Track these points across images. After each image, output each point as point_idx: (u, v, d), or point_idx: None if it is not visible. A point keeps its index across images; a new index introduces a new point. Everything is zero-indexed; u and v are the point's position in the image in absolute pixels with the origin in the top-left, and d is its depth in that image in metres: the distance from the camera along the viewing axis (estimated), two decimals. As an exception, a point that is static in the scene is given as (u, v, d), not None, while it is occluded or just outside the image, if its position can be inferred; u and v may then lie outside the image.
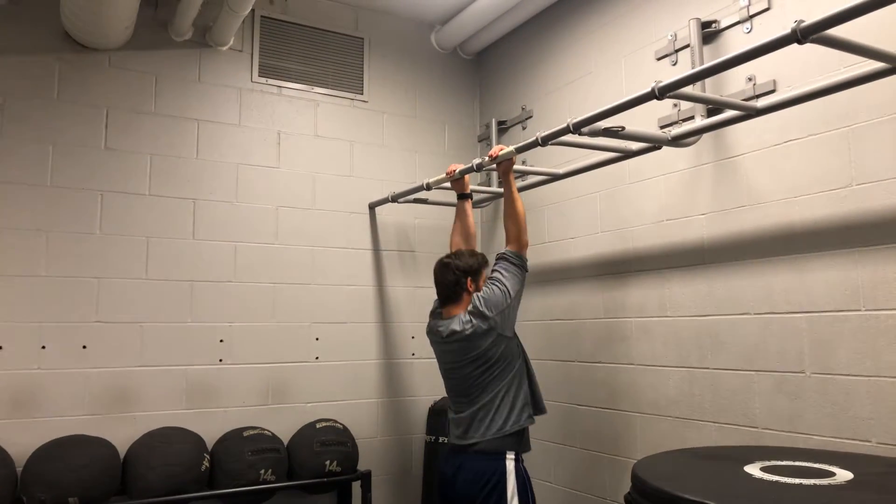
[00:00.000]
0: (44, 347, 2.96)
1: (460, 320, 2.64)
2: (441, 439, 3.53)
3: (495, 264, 2.73)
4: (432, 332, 2.81)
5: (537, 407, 2.70)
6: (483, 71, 4.25)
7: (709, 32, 2.70)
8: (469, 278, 2.74)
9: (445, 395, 3.71)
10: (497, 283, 2.64)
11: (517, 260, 2.69)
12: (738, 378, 2.52)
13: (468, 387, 2.66)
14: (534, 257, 3.64)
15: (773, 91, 2.45)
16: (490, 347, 2.59)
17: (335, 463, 3.23)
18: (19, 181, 2.99)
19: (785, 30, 1.79)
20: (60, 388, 2.97)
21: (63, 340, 3.00)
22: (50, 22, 3.10)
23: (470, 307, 2.64)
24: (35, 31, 3.09)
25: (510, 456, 2.57)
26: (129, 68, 3.27)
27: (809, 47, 1.87)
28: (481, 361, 2.61)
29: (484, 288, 2.67)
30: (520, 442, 2.62)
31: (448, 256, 2.83)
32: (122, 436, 3.00)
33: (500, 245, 2.91)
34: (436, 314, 2.83)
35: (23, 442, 2.81)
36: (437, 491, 2.79)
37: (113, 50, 3.24)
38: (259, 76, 3.59)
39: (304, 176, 3.65)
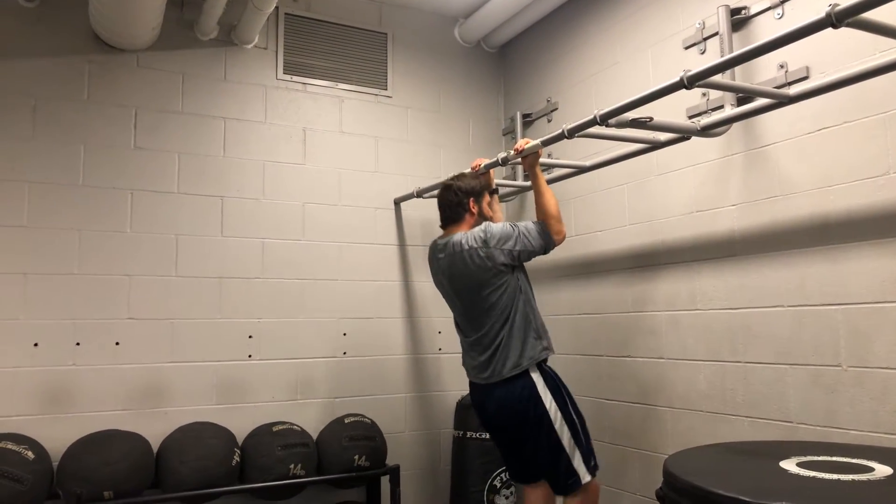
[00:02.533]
0: (78, 344, 3.01)
1: (461, 236, 2.67)
2: (468, 434, 3.53)
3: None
4: (431, 254, 2.86)
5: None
6: (507, 64, 4.22)
7: (738, 19, 2.64)
8: (471, 199, 2.78)
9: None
10: (513, 224, 2.66)
11: (540, 225, 2.67)
12: (772, 372, 2.47)
13: (470, 318, 2.69)
14: (561, 251, 3.60)
15: (805, 78, 2.39)
16: (486, 274, 2.60)
17: (364, 457, 3.24)
18: (52, 181, 3.04)
19: (819, 14, 1.74)
20: (94, 383, 3.02)
21: (97, 337, 3.05)
22: (79, 24, 3.15)
23: (475, 230, 2.66)
24: (65, 34, 3.14)
25: (533, 370, 2.59)
26: (156, 68, 3.31)
27: (844, 32, 1.83)
28: (479, 289, 2.62)
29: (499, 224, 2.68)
30: (539, 360, 2.63)
31: (451, 178, 2.87)
32: (155, 430, 3.05)
33: (527, 239, 2.88)
34: (436, 240, 2.85)
35: (59, 437, 2.87)
36: (478, 419, 2.85)
37: (141, 50, 3.27)
38: (284, 73, 3.61)
39: (329, 172, 3.66)
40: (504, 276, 2.62)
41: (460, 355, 2.88)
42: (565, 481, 2.55)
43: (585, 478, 2.54)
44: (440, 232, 2.91)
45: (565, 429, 2.55)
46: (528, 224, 2.69)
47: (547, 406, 2.55)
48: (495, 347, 2.62)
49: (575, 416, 2.60)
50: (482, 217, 2.81)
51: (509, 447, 2.75)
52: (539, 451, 2.58)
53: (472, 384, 2.80)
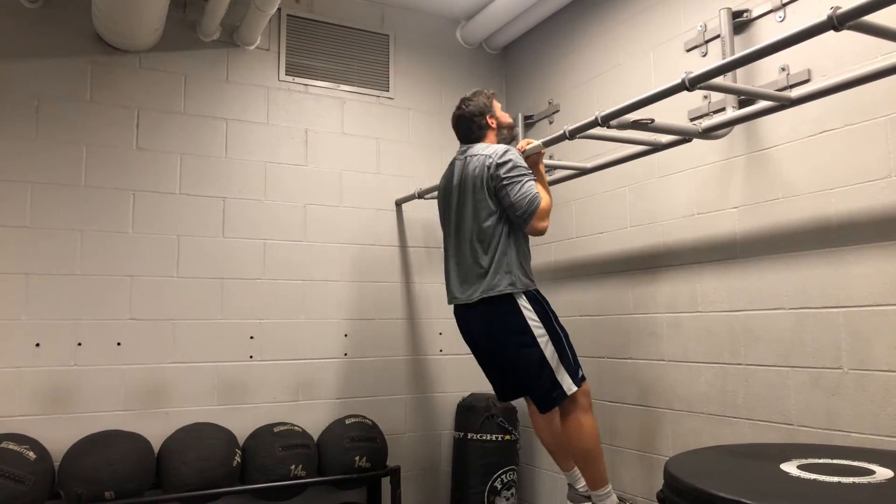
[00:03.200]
0: (80, 344, 3.02)
1: (485, 146, 2.73)
2: (469, 435, 3.53)
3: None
4: (451, 161, 2.88)
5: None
6: (509, 65, 4.22)
7: (740, 22, 2.65)
8: (487, 115, 2.83)
9: (474, 391, 3.74)
10: (526, 171, 2.64)
11: (536, 200, 2.59)
12: (773, 374, 2.47)
13: (463, 233, 2.71)
14: (562, 252, 3.62)
15: (807, 81, 2.39)
16: (486, 189, 2.62)
17: (364, 458, 3.25)
18: (55, 181, 3.05)
19: (820, 17, 1.74)
20: (96, 384, 3.03)
21: (98, 337, 3.05)
22: (82, 25, 3.15)
23: (499, 147, 2.68)
24: (68, 35, 3.15)
25: (518, 295, 2.59)
26: (159, 69, 3.32)
27: (845, 35, 1.83)
28: (477, 200, 2.65)
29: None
30: (522, 288, 2.62)
31: (459, 105, 2.89)
32: (156, 431, 3.05)
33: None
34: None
35: (60, 437, 2.87)
36: (464, 340, 2.85)
37: (143, 51, 3.28)
38: (286, 75, 3.62)
39: (331, 173, 3.67)
40: (496, 199, 2.65)
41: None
42: (549, 394, 2.54)
43: (571, 389, 2.54)
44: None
45: (549, 342, 2.56)
46: (533, 186, 2.62)
47: (527, 319, 2.56)
48: (480, 270, 2.62)
49: (558, 329, 2.62)
50: (501, 125, 2.87)
51: (493, 365, 2.78)
52: (521, 365, 2.59)
53: (455, 307, 2.82)
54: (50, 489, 2.75)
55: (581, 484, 2.80)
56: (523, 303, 2.60)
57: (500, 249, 2.62)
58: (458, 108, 2.90)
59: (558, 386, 2.54)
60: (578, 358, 2.65)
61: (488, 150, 2.70)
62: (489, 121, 2.84)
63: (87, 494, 2.69)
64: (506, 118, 2.92)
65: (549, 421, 2.77)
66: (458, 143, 3.99)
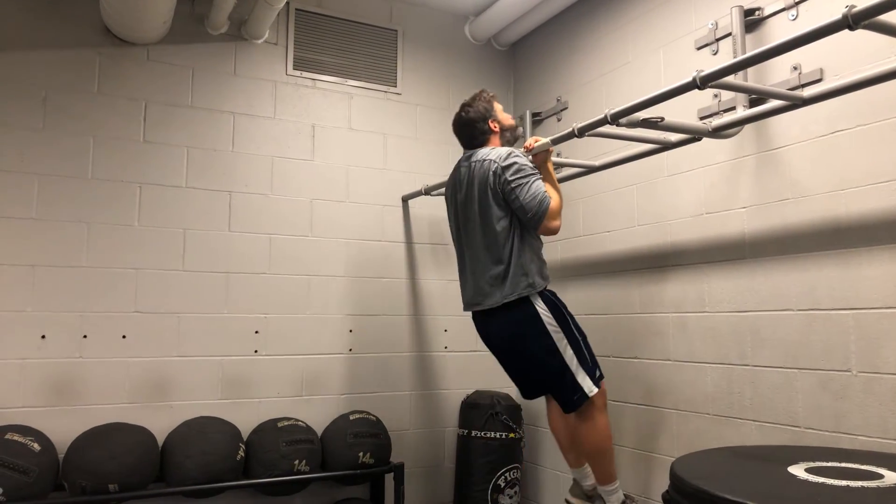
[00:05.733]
0: (85, 337, 3.02)
1: (488, 150, 2.72)
2: (473, 432, 3.53)
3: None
4: (455, 167, 2.87)
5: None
6: (517, 62, 4.20)
7: (752, 20, 2.62)
8: (489, 120, 2.82)
9: (478, 389, 3.73)
10: (533, 170, 2.64)
11: (545, 200, 2.59)
12: (780, 376, 2.45)
13: (475, 239, 2.70)
14: (568, 251, 3.60)
15: (819, 80, 2.37)
16: (495, 193, 2.62)
17: (368, 455, 3.24)
18: (61, 173, 3.05)
19: (834, 16, 1.72)
20: (101, 376, 3.03)
21: (103, 330, 3.06)
22: (90, 17, 3.15)
23: (502, 150, 2.68)
24: (76, 26, 3.14)
25: (534, 297, 2.60)
26: (166, 62, 3.31)
27: (859, 34, 1.81)
28: (488, 205, 2.63)
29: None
30: (539, 289, 2.63)
31: (459, 112, 2.89)
32: (160, 424, 3.05)
33: (535, 238, 2.87)
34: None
35: (64, 429, 2.88)
36: (484, 344, 2.86)
37: (151, 44, 3.28)
38: (294, 69, 3.60)
39: (338, 169, 3.66)
40: (504, 202, 2.64)
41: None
42: (571, 396, 2.57)
43: (592, 391, 2.56)
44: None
45: (567, 346, 2.58)
46: (541, 187, 2.61)
47: (546, 324, 2.57)
48: (496, 275, 2.62)
49: (576, 332, 2.63)
50: (504, 127, 2.86)
51: (516, 369, 2.81)
52: (544, 370, 2.62)
53: (473, 314, 2.82)
54: (54, 481, 2.75)
55: (588, 482, 2.79)
56: (540, 306, 2.59)
57: (514, 253, 2.61)
58: (459, 113, 2.88)
59: (579, 389, 2.56)
60: (596, 357, 2.66)
61: (492, 154, 2.69)
62: (491, 125, 2.83)
63: (91, 487, 2.69)
64: (508, 120, 2.90)
65: (567, 417, 2.77)
66: (465, 139, 4.02)
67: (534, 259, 2.65)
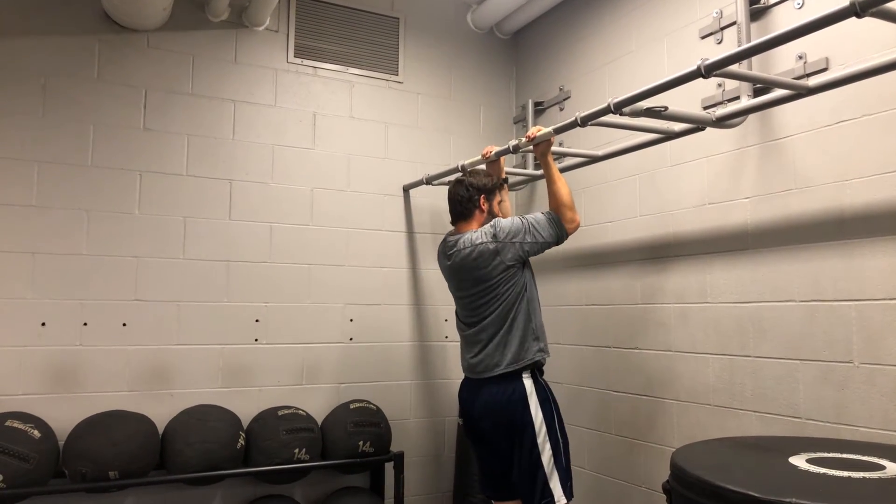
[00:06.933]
0: (85, 324, 3.02)
1: (470, 235, 2.68)
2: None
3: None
4: (440, 252, 2.86)
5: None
6: (520, 51, 4.18)
7: (757, 9, 2.59)
8: (482, 196, 2.78)
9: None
10: (522, 217, 2.65)
11: (550, 215, 2.65)
12: (782, 367, 2.45)
13: (473, 311, 2.69)
14: (570, 241, 3.57)
15: (825, 69, 2.34)
16: (494, 271, 2.59)
17: (368, 443, 3.25)
18: (61, 160, 3.03)
19: (841, 3, 1.70)
20: (101, 364, 3.03)
21: (103, 318, 3.05)
22: (90, 3, 3.12)
23: (485, 227, 2.67)
24: (76, 12, 3.12)
25: (526, 375, 2.58)
26: (166, 49, 3.29)
27: (865, 22, 1.80)
28: (485, 284, 2.62)
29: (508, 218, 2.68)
30: (534, 368, 2.61)
31: (464, 174, 2.88)
32: (161, 412, 3.05)
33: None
34: (446, 237, 2.85)
35: (65, 416, 2.88)
36: (462, 420, 2.82)
37: (151, 31, 3.25)
38: (295, 57, 3.58)
39: (339, 157, 3.64)
40: (512, 272, 2.61)
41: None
42: (539, 500, 2.48)
43: (561, 500, 2.48)
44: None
45: (547, 445, 2.51)
46: (537, 216, 2.67)
47: (533, 415, 2.52)
48: (494, 343, 2.61)
49: (559, 435, 2.56)
50: (491, 215, 2.79)
51: (488, 456, 2.70)
52: (518, 463, 2.54)
53: (464, 380, 2.79)
54: (54, 468, 2.76)
55: None
56: (530, 389, 2.55)
57: (515, 325, 2.59)
58: (464, 175, 2.89)
59: (550, 494, 2.47)
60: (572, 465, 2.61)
61: (476, 236, 2.64)
62: (482, 203, 2.77)
63: (92, 474, 2.70)
64: (498, 211, 2.82)
65: None
66: (464, 127, 4.00)
67: (531, 331, 2.62)
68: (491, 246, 2.59)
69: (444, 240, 2.85)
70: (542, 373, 2.67)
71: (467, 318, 2.75)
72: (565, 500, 2.49)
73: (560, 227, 2.65)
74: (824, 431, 2.28)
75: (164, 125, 3.25)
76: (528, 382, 2.57)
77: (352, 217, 3.64)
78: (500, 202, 2.85)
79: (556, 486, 2.48)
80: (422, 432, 3.73)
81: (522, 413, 2.52)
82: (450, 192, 2.85)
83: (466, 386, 2.76)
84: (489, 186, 2.80)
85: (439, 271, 2.92)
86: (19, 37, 3.01)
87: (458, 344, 3.63)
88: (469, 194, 2.77)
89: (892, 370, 2.12)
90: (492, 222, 2.68)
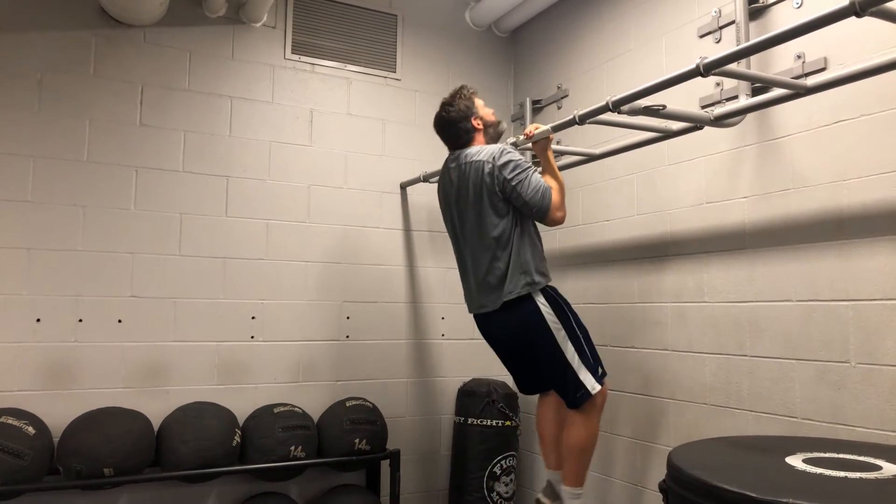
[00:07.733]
0: (80, 321, 3.00)
1: (476, 149, 2.70)
2: (469, 420, 3.52)
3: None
4: (443, 168, 2.84)
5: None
6: (518, 49, 4.17)
7: (756, 8, 2.59)
8: (472, 118, 2.78)
9: (474, 377, 3.73)
10: (531, 164, 2.65)
11: (547, 193, 2.62)
12: (778, 366, 2.45)
13: (473, 241, 2.68)
14: (568, 240, 3.59)
15: (823, 69, 2.34)
16: (491, 194, 2.60)
17: (364, 441, 3.24)
18: (57, 156, 3.02)
19: (841, 2, 1.70)
20: (96, 360, 3.02)
21: (99, 314, 3.04)
22: (86, -3, 3.11)
23: (493, 148, 2.66)
24: (72, 7, 3.10)
25: (535, 294, 2.59)
26: (163, 45, 3.27)
27: (864, 22, 1.80)
28: (483, 206, 2.62)
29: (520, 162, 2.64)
30: (540, 286, 2.62)
31: (440, 111, 2.84)
32: (156, 409, 3.04)
33: (534, 226, 2.85)
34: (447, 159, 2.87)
35: (59, 413, 2.87)
36: (487, 343, 2.87)
37: (148, 26, 3.23)
38: (292, 53, 3.57)
39: (336, 154, 3.63)
40: (503, 202, 2.62)
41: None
42: (574, 394, 2.57)
43: (595, 388, 2.56)
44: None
45: (568, 343, 2.57)
46: (540, 179, 2.63)
47: (550, 324, 2.57)
48: (497, 275, 2.61)
49: (577, 329, 2.62)
50: (487, 124, 2.82)
51: (518, 366, 2.82)
52: (546, 368, 2.63)
53: (475, 316, 2.81)
54: (49, 465, 2.74)
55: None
56: (541, 302, 2.59)
57: (513, 252, 2.60)
58: (440, 113, 2.84)
59: (582, 386, 2.56)
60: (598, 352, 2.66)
61: (482, 153, 2.66)
62: (475, 122, 2.79)
63: (87, 470, 2.69)
64: (490, 116, 2.86)
65: (560, 413, 2.75)
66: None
67: (534, 257, 2.63)
68: (488, 167, 2.61)
69: (448, 158, 2.84)
70: (549, 286, 2.67)
71: (467, 249, 2.74)
72: (599, 386, 2.58)
73: (547, 207, 2.61)
74: (821, 431, 2.28)
75: (161, 121, 3.23)
76: (537, 298, 2.59)
77: (349, 214, 3.63)
78: (482, 106, 2.85)
79: (586, 377, 2.56)
80: (418, 430, 3.72)
81: (539, 326, 2.57)
82: (442, 131, 2.85)
83: (480, 321, 2.79)
84: (471, 105, 2.79)
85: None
86: (15, 32, 2.99)
87: (454, 342, 3.61)
88: (464, 125, 2.77)
89: (888, 370, 2.12)
90: (501, 147, 2.65)
